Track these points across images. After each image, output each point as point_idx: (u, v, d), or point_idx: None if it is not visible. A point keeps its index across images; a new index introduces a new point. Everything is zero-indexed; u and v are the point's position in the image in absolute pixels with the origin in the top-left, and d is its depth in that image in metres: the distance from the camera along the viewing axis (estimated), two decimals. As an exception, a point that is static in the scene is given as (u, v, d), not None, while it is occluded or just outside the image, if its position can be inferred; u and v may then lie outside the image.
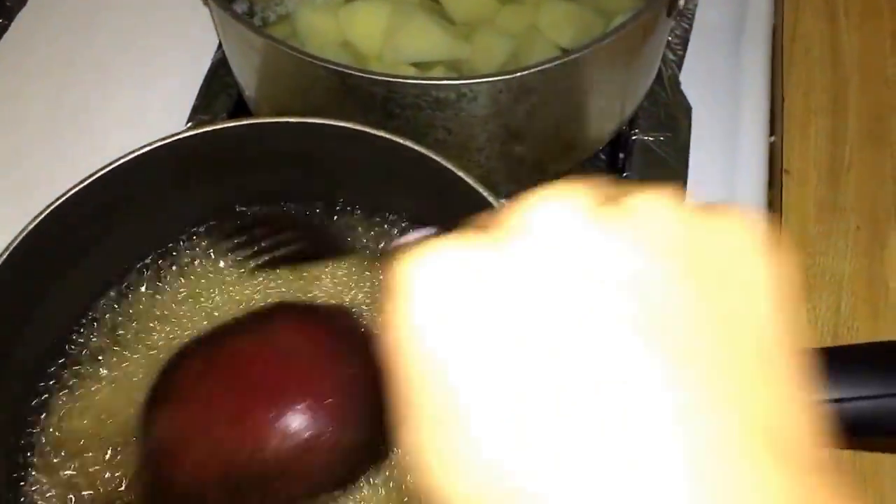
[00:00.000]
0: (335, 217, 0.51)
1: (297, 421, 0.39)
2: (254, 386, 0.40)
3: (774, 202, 0.67)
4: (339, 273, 0.49)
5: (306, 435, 0.39)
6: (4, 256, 0.41)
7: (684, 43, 0.71)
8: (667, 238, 0.19)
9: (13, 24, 0.74)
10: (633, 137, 0.65)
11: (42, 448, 0.44)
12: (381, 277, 0.26)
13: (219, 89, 0.68)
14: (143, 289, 0.49)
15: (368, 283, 0.49)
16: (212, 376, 0.41)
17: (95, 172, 0.44)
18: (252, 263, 0.49)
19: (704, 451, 0.16)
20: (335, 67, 0.48)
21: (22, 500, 0.43)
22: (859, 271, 0.67)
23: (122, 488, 0.43)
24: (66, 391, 0.46)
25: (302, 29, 0.60)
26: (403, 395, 0.19)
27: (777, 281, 0.19)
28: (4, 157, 0.66)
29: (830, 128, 0.70)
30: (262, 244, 0.49)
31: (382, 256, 0.27)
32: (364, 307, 0.48)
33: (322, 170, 0.49)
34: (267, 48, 0.51)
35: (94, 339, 0.47)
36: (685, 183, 0.64)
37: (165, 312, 0.48)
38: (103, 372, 0.46)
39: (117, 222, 0.47)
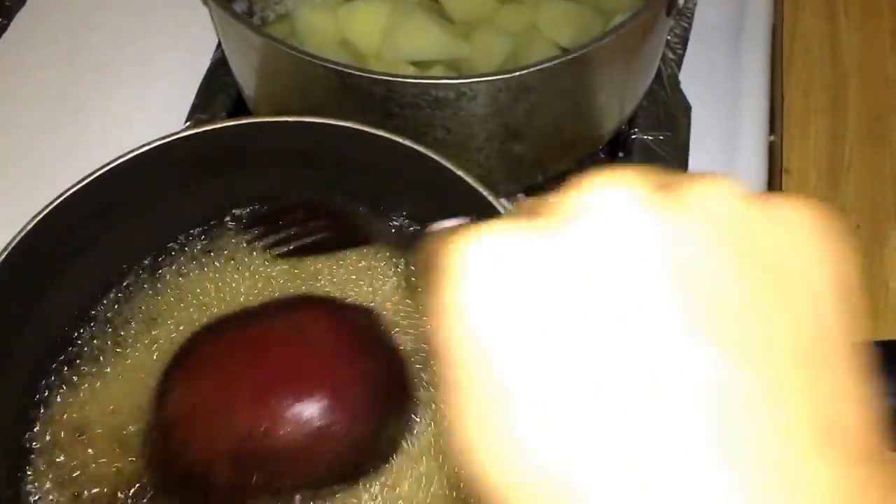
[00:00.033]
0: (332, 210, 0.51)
1: (314, 408, 0.39)
2: (276, 368, 0.40)
3: (774, 201, 0.67)
4: (344, 265, 0.49)
5: (321, 423, 0.39)
6: (3, 256, 0.41)
7: (684, 42, 0.71)
8: (724, 226, 0.18)
9: (12, 24, 0.74)
10: (633, 136, 0.65)
11: (43, 446, 0.44)
12: (416, 261, 0.26)
13: (218, 88, 0.68)
14: (142, 288, 0.49)
15: (377, 275, 0.49)
16: (235, 352, 0.42)
17: (94, 172, 0.44)
18: (275, 252, 0.49)
19: (759, 444, 0.16)
20: (334, 66, 0.48)
21: (22, 498, 0.43)
22: (859, 270, 0.66)
23: (124, 484, 0.43)
24: (67, 389, 0.46)
25: (301, 28, 0.60)
26: (451, 382, 0.18)
27: (837, 272, 0.19)
28: (4, 156, 0.66)
29: (830, 127, 0.70)
30: (284, 233, 0.50)
31: (417, 241, 0.27)
32: (370, 300, 0.48)
33: (321, 169, 0.49)
34: (266, 47, 0.51)
35: (95, 338, 0.47)
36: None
37: (164, 310, 0.48)
38: (104, 370, 0.46)
39: (116, 222, 0.47)
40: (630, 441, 0.16)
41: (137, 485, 0.43)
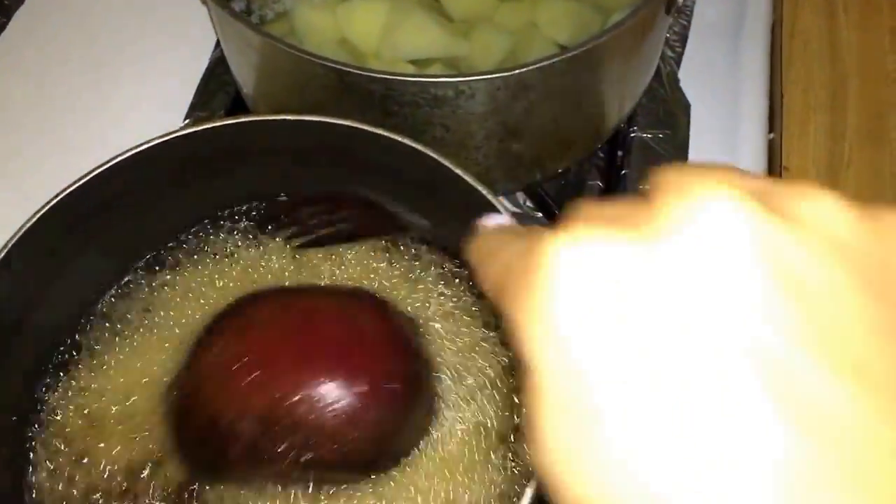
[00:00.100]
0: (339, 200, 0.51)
1: (351, 392, 0.39)
2: (323, 343, 0.41)
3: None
4: (350, 258, 0.49)
5: (354, 409, 0.39)
6: (2, 255, 0.41)
7: (683, 40, 0.71)
8: (836, 242, 0.17)
9: (11, 23, 0.74)
10: (632, 135, 0.65)
11: (44, 439, 0.44)
12: (469, 257, 0.26)
13: (216, 87, 0.68)
14: (141, 285, 0.49)
15: (378, 272, 0.49)
16: (286, 318, 0.42)
17: (93, 170, 0.44)
18: (293, 243, 0.49)
19: (870, 467, 0.15)
20: (333, 65, 0.48)
21: (24, 490, 0.43)
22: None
23: (128, 477, 0.43)
24: (67, 383, 0.46)
25: (300, 26, 0.60)
26: (538, 392, 0.18)
27: None
28: (2, 155, 0.66)
29: (829, 124, 0.69)
30: (302, 225, 0.50)
31: (463, 237, 0.27)
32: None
33: (319, 167, 0.49)
34: (265, 46, 0.51)
35: (95, 333, 0.48)
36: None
37: (164, 306, 0.48)
38: (103, 364, 0.46)
39: (115, 220, 0.47)
40: (719, 459, 0.16)
41: (139, 476, 0.43)
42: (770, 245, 0.17)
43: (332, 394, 0.39)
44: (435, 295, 0.49)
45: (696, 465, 0.16)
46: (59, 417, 0.45)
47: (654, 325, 0.17)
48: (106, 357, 0.47)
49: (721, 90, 0.70)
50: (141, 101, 0.69)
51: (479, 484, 0.42)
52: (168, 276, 0.49)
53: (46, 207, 0.42)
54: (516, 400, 0.45)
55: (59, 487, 0.43)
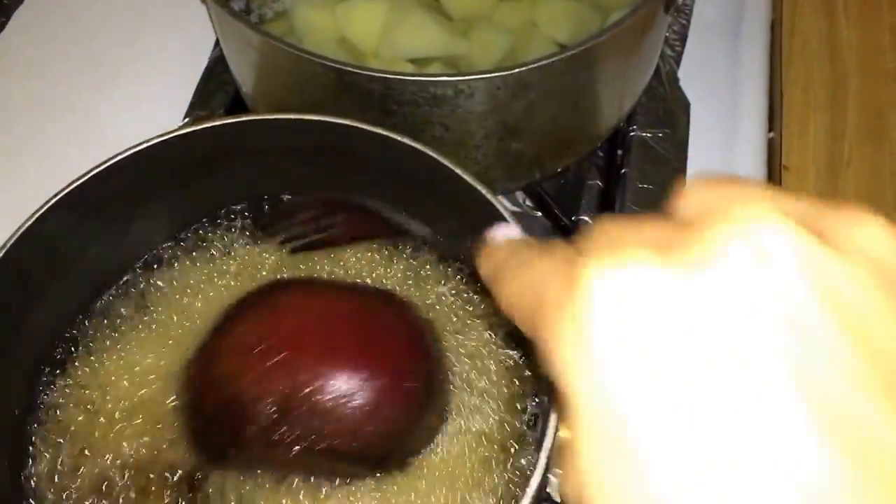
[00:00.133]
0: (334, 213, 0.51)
1: (372, 386, 0.39)
2: (349, 334, 0.41)
3: (773, 198, 0.67)
4: (349, 257, 0.50)
5: (373, 403, 0.39)
6: (1, 254, 0.41)
7: (682, 39, 0.71)
8: (885, 270, 0.17)
9: (10, 22, 0.74)
10: (632, 134, 0.65)
11: (46, 434, 0.45)
12: (481, 269, 0.25)
13: (216, 86, 0.68)
14: (139, 285, 0.49)
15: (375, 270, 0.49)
16: (312, 307, 0.42)
17: (92, 169, 0.44)
18: (288, 247, 0.49)
19: None
20: (332, 64, 0.48)
21: (24, 483, 0.43)
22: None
23: (130, 468, 0.43)
24: (67, 378, 0.46)
25: (299, 26, 0.60)
26: (572, 418, 0.17)
27: None
28: (2, 154, 0.66)
29: (829, 123, 0.69)
30: (297, 229, 0.50)
31: (473, 248, 0.27)
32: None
33: (319, 167, 0.49)
34: (264, 45, 0.51)
35: (94, 331, 0.48)
36: (684, 180, 0.64)
37: (161, 308, 0.48)
38: (109, 361, 0.46)
39: (114, 219, 0.47)
40: (762, 495, 0.15)
41: (141, 468, 0.43)
42: (819, 275, 0.16)
43: (354, 386, 0.39)
44: (433, 296, 0.49)
45: (739, 500, 0.15)
46: (59, 413, 0.45)
47: (699, 356, 0.16)
48: (105, 354, 0.47)
49: (721, 89, 0.70)
50: (140, 101, 0.69)
51: (479, 491, 0.42)
52: (167, 275, 0.49)
53: (46, 206, 0.42)
54: (518, 406, 0.45)
55: (61, 481, 0.43)
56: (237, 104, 0.66)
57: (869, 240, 0.17)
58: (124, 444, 0.44)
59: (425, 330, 0.45)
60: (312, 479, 0.42)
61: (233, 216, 0.51)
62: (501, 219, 0.41)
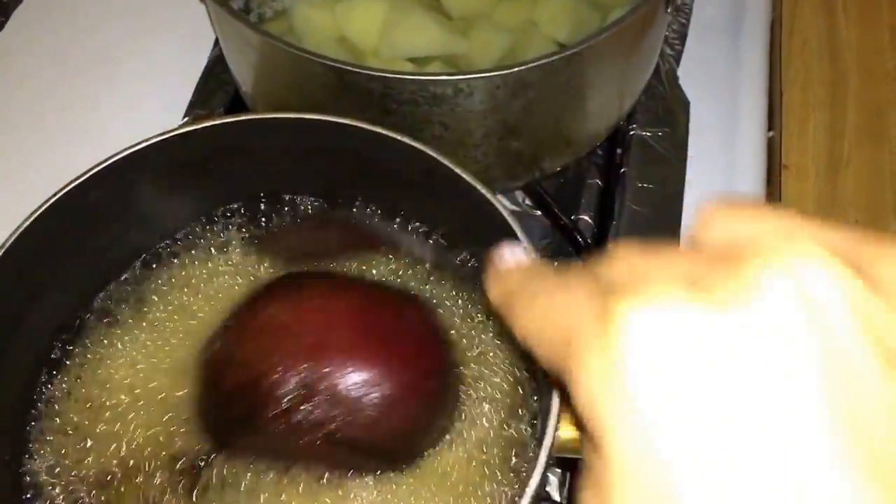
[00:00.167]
0: (336, 213, 0.51)
1: (398, 380, 0.39)
2: (377, 327, 0.41)
3: (773, 197, 0.67)
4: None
5: (397, 396, 0.39)
6: (1, 253, 0.41)
7: (682, 37, 0.71)
8: None
9: (10, 22, 0.74)
10: (631, 133, 0.65)
11: (48, 430, 0.45)
12: (490, 295, 0.24)
13: (215, 86, 0.68)
14: (139, 283, 0.49)
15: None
16: (342, 298, 0.42)
17: (91, 168, 0.44)
18: (280, 258, 0.49)
19: None
20: (332, 63, 0.48)
21: (25, 479, 0.43)
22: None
23: (133, 459, 0.44)
24: (69, 379, 0.46)
25: (298, 25, 0.60)
26: (606, 461, 0.17)
27: None
28: (1, 153, 0.66)
29: (829, 122, 0.70)
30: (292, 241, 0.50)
31: (481, 272, 0.26)
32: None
33: (319, 166, 0.49)
34: (263, 45, 0.51)
35: (93, 328, 0.48)
36: (683, 178, 0.64)
37: (160, 306, 0.48)
38: (110, 358, 0.46)
39: (112, 218, 0.47)
40: None
41: (143, 459, 0.43)
42: (865, 320, 0.16)
43: (378, 378, 0.39)
44: (433, 301, 0.49)
45: None
46: (59, 410, 0.45)
47: (741, 401, 0.16)
48: (105, 351, 0.47)
49: (720, 88, 0.70)
50: (140, 100, 0.69)
51: (479, 494, 0.42)
52: (166, 273, 0.49)
53: (45, 206, 0.42)
54: (520, 413, 0.45)
55: (62, 477, 0.43)
56: (237, 103, 0.66)
57: None
58: (124, 438, 0.44)
59: (444, 333, 0.45)
60: (320, 472, 0.42)
61: (231, 215, 0.51)
62: (502, 220, 0.41)
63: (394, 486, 0.42)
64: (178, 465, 0.43)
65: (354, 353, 0.39)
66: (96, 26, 0.74)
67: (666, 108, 0.67)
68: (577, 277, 0.20)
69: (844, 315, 0.16)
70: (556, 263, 0.24)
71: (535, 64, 0.48)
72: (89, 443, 0.44)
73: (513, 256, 0.26)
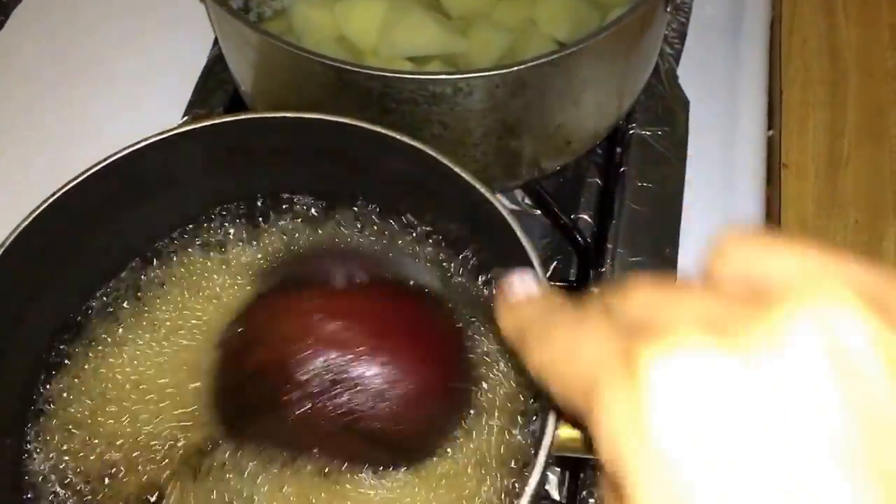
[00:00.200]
0: (335, 212, 0.51)
1: (422, 376, 0.40)
2: (405, 322, 0.42)
3: (773, 196, 0.67)
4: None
5: (420, 392, 0.40)
6: (0, 252, 0.41)
7: (682, 37, 0.71)
8: None
9: (9, 21, 0.74)
10: (631, 132, 0.65)
11: (49, 427, 0.45)
12: (501, 326, 0.24)
13: (215, 85, 0.68)
14: (138, 282, 0.49)
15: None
16: (370, 291, 0.43)
17: (91, 168, 0.44)
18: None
19: None
20: (331, 63, 0.48)
21: (25, 479, 0.43)
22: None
23: (134, 453, 0.44)
24: (67, 373, 0.46)
25: (298, 24, 0.60)
26: (624, 499, 0.17)
27: None
28: (1, 152, 0.66)
29: (829, 121, 0.70)
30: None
31: (490, 301, 0.26)
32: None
33: (318, 165, 0.49)
34: (263, 44, 0.51)
35: (92, 327, 0.48)
36: (683, 178, 0.64)
37: (160, 305, 0.48)
38: (111, 357, 0.46)
39: (112, 217, 0.47)
40: None
41: (145, 454, 0.44)
42: (887, 370, 0.15)
43: (404, 372, 0.39)
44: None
45: None
46: (60, 407, 0.45)
47: (770, 453, 0.16)
48: (105, 348, 0.47)
49: (720, 87, 0.70)
50: (139, 99, 0.69)
51: (479, 498, 0.42)
52: (165, 272, 0.49)
53: (44, 205, 0.42)
54: (520, 412, 0.45)
55: (63, 474, 0.43)
56: (236, 103, 0.66)
57: None
58: (125, 436, 0.44)
59: (465, 336, 0.45)
60: (323, 464, 0.42)
61: (232, 214, 0.51)
62: (502, 219, 0.41)
63: (392, 485, 0.43)
64: (180, 457, 0.43)
65: (384, 345, 0.40)
66: (96, 26, 0.74)
67: (665, 108, 0.67)
68: (593, 313, 0.20)
69: (877, 365, 0.15)
70: (565, 294, 0.23)
71: (534, 63, 0.48)
72: (89, 441, 0.44)
73: (523, 286, 0.25)
